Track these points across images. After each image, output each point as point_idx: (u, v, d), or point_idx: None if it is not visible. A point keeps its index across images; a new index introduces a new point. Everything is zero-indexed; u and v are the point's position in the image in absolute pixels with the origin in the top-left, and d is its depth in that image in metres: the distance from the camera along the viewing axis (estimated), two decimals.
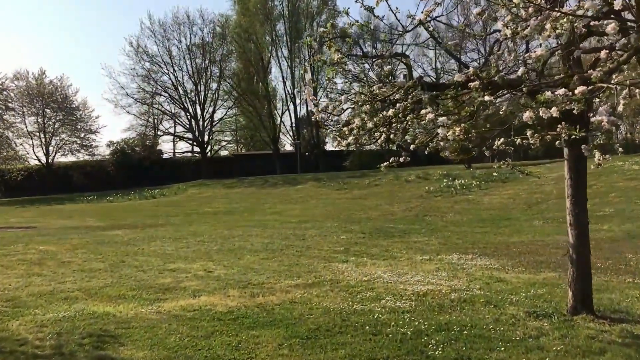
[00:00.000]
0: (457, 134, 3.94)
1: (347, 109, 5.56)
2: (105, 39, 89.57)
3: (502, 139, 7.28)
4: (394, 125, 6.04)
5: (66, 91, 52.06)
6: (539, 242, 11.50)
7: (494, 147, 7.29)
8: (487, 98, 3.92)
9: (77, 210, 31.78)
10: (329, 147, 58.28)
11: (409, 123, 4.95)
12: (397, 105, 4.73)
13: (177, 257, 10.80)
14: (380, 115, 5.14)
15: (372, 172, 35.43)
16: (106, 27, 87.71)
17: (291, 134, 55.78)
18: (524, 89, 4.54)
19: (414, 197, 23.70)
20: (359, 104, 4.81)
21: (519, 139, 7.35)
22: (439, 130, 4.05)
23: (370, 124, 5.44)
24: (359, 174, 35.78)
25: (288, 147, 59.67)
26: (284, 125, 56.21)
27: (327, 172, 41.21)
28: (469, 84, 4.41)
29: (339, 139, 5.88)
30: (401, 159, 6.66)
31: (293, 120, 54.56)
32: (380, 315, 5.71)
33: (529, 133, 6.99)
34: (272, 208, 25.19)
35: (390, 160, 6.54)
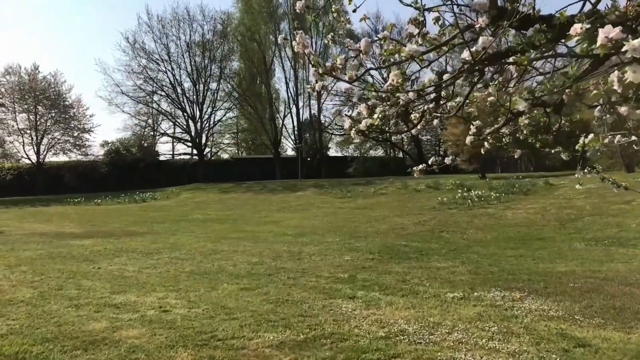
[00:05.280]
0: None
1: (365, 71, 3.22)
2: (101, 33, 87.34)
3: (590, 136, 4.85)
4: (442, 102, 3.70)
5: (60, 88, 49.83)
6: (597, 273, 9.04)
7: (576, 148, 4.93)
8: None
9: (60, 213, 29.37)
10: (332, 152, 56.05)
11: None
12: (479, 43, 2.36)
13: (133, 284, 8.37)
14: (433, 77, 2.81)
15: (377, 180, 33.04)
16: (103, 21, 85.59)
17: (293, 137, 53.45)
18: None
19: (426, 208, 21.23)
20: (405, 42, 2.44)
21: (618, 135, 4.93)
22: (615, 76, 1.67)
23: (408, 95, 3.09)
24: (364, 181, 33.44)
25: (290, 152, 57.35)
26: (285, 128, 53.97)
27: (330, 179, 38.87)
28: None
29: (351, 123, 3.50)
30: (447, 161, 4.33)
31: (295, 123, 52.29)
32: None
33: None
34: (268, 216, 22.75)
35: (430, 162, 4.18)
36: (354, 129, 3.44)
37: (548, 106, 3.99)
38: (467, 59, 2.32)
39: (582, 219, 16.23)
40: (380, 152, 54.65)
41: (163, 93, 50.29)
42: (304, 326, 5.79)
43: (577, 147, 4.72)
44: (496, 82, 3.67)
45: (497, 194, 22.19)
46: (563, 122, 4.31)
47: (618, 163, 28.25)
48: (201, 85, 50.17)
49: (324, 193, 29.39)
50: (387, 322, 5.97)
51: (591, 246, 12.51)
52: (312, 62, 3.29)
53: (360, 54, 3.08)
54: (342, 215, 21.45)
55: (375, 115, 3.07)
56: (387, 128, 4.01)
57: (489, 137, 4.41)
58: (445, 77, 3.07)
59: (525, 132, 4.46)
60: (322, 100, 51.80)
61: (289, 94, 51.83)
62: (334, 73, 3.21)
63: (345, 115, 3.64)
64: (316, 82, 3.32)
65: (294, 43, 3.29)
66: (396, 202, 24.10)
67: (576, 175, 5.13)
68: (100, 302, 7.00)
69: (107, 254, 12.05)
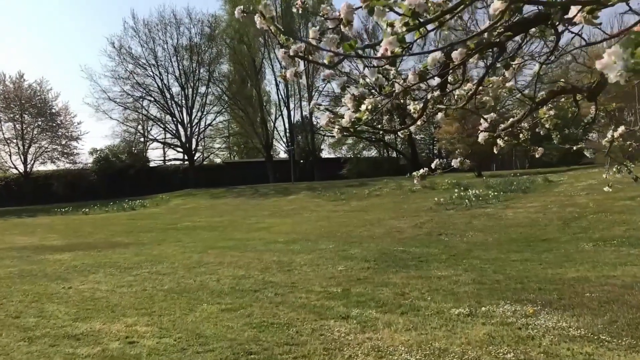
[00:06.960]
0: None
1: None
2: (87, 39, 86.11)
3: (620, 128, 4.10)
4: (450, 89, 2.92)
5: (46, 95, 48.83)
6: (612, 279, 8.27)
7: (603, 143, 4.18)
8: None
9: (45, 224, 28.45)
10: (325, 154, 55.26)
11: None
12: None
13: (102, 307, 7.53)
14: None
15: (371, 181, 32.29)
16: (89, 27, 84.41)
17: (285, 140, 52.59)
18: None
19: (422, 209, 20.46)
20: None
21: None
22: None
23: (407, 79, 2.33)
24: (358, 182, 32.67)
25: (282, 155, 56.54)
26: (277, 131, 53.12)
27: (323, 181, 38.10)
28: None
29: (330, 118, 2.70)
30: (455, 163, 3.55)
31: (287, 125, 51.46)
32: None
33: None
34: (259, 222, 21.93)
35: (434, 165, 3.39)
36: (336, 125, 2.61)
37: (580, 92, 3.22)
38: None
39: (587, 217, 15.48)
40: (373, 153, 53.87)
41: (151, 98, 49.38)
42: (289, 359, 4.98)
43: (604, 142, 3.95)
44: (516, 64, 2.91)
45: (495, 193, 21.45)
46: (597, 111, 3.55)
47: (618, 158, 27.58)
48: (190, 90, 49.31)
49: (317, 196, 28.61)
50: (385, 350, 5.17)
51: (600, 247, 11.76)
52: (280, 41, 2.48)
53: (341, 25, 2.29)
54: (335, 219, 20.67)
55: (364, 107, 2.28)
56: (380, 126, 3.24)
57: (503, 134, 3.66)
58: (455, 55, 2.29)
59: (547, 125, 3.69)
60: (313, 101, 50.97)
61: (280, 96, 51.06)
62: (309, 56, 2.42)
63: (326, 109, 2.85)
64: (287, 66, 2.50)
65: (256, 17, 2.46)
66: (391, 203, 23.33)
67: (604, 176, 4.35)
68: (59, 333, 6.16)
69: (82, 270, 11.21)
